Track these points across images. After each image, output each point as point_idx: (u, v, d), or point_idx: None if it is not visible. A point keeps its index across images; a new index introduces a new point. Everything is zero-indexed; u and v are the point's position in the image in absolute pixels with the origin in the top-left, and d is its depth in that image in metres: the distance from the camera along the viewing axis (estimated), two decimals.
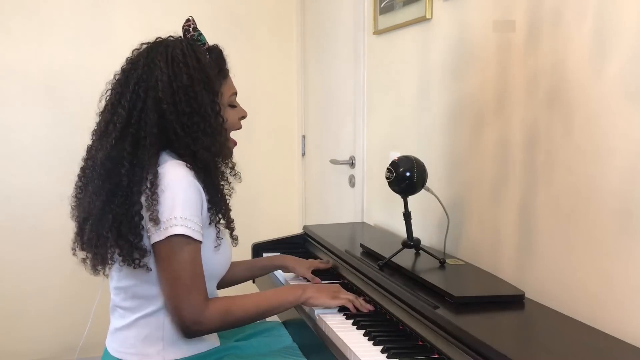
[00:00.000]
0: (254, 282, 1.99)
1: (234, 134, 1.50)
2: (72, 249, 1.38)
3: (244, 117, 1.50)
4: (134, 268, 1.29)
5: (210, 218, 1.35)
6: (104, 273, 1.37)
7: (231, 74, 1.47)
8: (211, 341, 1.42)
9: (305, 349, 1.48)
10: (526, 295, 1.34)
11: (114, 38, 2.89)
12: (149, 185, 1.25)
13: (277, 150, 3.27)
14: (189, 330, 1.30)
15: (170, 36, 1.39)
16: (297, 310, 1.53)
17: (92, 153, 1.37)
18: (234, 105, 1.46)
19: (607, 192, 1.21)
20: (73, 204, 1.40)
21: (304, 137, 3.20)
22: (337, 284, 1.53)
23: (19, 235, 2.85)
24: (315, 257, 2.00)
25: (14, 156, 2.86)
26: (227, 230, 1.45)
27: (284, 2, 3.20)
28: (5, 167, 2.86)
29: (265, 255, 2.10)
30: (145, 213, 1.26)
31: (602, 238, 1.23)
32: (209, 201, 1.34)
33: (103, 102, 1.37)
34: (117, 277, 1.36)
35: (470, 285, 1.45)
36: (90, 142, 1.39)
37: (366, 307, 1.43)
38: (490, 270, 1.54)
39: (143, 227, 1.27)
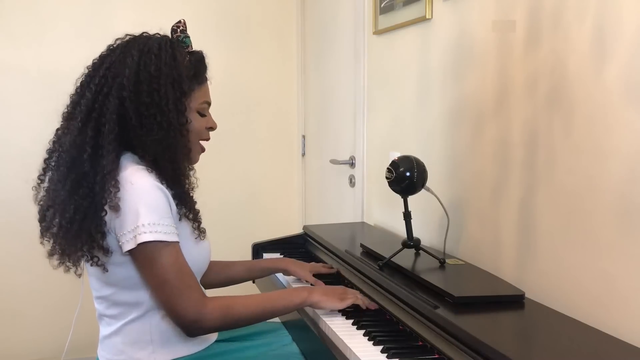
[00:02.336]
0: (254, 282, 1.99)
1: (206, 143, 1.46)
2: (40, 238, 1.35)
3: (212, 128, 1.45)
4: (91, 265, 1.28)
5: (179, 213, 1.34)
6: (75, 272, 1.35)
7: (210, 82, 1.44)
8: (206, 338, 1.41)
9: (305, 348, 1.48)
10: (526, 295, 1.34)
11: (115, 37, 2.88)
12: (110, 182, 1.24)
13: (277, 150, 3.27)
14: (189, 329, 1.29)
15: (157, 33, 1.38)
16: (298, 311, 1.52)
17: (59, 136, 1.35)
18: (203, 114, 1.42)
19: (607, 192, 1.21)
20: (36, 186, 1.37)
21: (304, 137, 3.21)
22: (341, 286, 1.52)
23: (17, 236, 2.85)
24: (316, 257, 2.00)
25: (14, 156, 2.86)
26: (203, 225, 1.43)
27: (284, 2, 3.20)
28: (4, 167, 2.86)
29: (265, 255, 2.10)
30: (110, 217, 1.25)
31: (602, 238, 1.23)
32: (174, 196, 1.33)
33: (78, 84, 1.36)
34: (96, 287, 1.35)
35: (470, 285, 1.45)
36: (59, 125, 1.37)
37: (373, 305, 1.45)
38: (490, 270, 1.54)
39: (106, 222, 1.25)
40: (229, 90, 3.12)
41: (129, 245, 1.24)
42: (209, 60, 1.45)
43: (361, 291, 1.56)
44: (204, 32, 3.07)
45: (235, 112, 3.16)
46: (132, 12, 2.95)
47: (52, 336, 2.84)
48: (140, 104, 1.28)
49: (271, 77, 3.22)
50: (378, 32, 2.23)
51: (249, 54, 3.16)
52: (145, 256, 1.25)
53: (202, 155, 1.46)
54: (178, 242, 1.29)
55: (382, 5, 2.18)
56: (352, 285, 1.63)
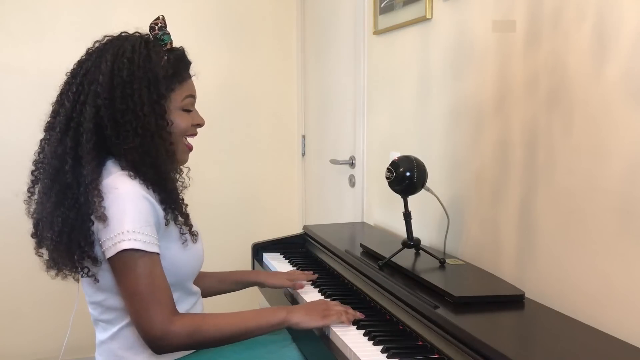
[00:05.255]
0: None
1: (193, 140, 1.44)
2: (35, 250, 1.35)
3: (199, 124, 1.42)
4: (82, 277, 1.27)
5: (167, 218, 1.30)
6: (74, 277, 1.34)
7: (195, 77, 1.40)
8: None
9: (304, 348, 1.48)
10: (526, 295, 1.34)
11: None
12: (93, 192, 1.22)
13: (277, 150, 3.27)
14: (154, 346, 1.25)
15: (136, 32, 1.36)
16: None
17: (43, 147, 1.34)
18: (188, 110, 1.38)
19: (607, 192, 1.21)
20: (27, 199, 1.36)
21: (304, 137, 3.21)
22: (324, 299, 1.45)
23: (17, 236, 2.84)
24: (316, 257, 2.00)
25: (14, 157, 2.86)
26: (196, 227, 1.40)
27: (284, 2, 3.20)
28: (4, 168, 2.86)
29: (265, 255, 2.10)
30: (96, 227, 1.24)
31: (602, 238, 1.23)
32: (161, 201, 1.30)
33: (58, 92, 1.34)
34: (89, 293, 1.34)
35: (470, 285, 1.45)
36: (42, 135, 1.35)
37: (358, 316, 1.38)
38: (490, 270, 1.54)
39: (94, 232, 1.24)
40: (229, 90, 3.12)
41: (109, 252, 1.23)
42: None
43: (361, 291, 1.56)
44: (204, 32, 3.07)
45: (235, 112, 3.16)
46: (132, 12, 2.94)
47: (49, 336, 2.83)
48: (116, 112, 1.26)
49: (271, 77, 3.22)
50: (378, 32, 2.23)
51: (249, 54, 3.16)
52: (121, 264, 1.23)
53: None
54: (158, 254, 1.26)
55: (382, 5, 2.18)
56: (352, 285, 1.63)
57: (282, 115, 3.26)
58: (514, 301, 1.32)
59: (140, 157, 1.27)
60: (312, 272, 1.77)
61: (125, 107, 1.26)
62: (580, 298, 1.28)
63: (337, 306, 1.39)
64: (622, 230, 1.18)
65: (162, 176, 1.31)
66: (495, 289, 1.38)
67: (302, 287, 1.64)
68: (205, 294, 1.59)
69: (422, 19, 1.90)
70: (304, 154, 3.22)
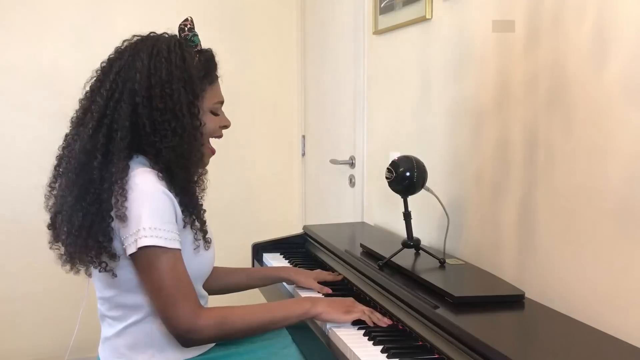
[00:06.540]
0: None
1: (214, 143, 1.45)
2: (49, 243, 1.36)
3: (226, 126, 1.44)
4: (100, 272, 1.28)
5: (184, 221, 1.31)
6: (86, 272, 1.35)
7: (220, 79, 1.43)
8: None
9: (305, 349, 1.48)
10: (526, 295, 1.34)
11: (115, 37, 2.87)
12: (118, 191, 1.22)
13: (277, 150, 3.27)
14: (183, 339, 1.27)
15: (165, 33, 1.37)
16: None
17: (69, 142, 1.34)
18: (216, 114, 1.41)
19: (607, 192, 1.21)
20: (47, 194, 1.37)
21: (304, 137, 3.21)
22: (351, 298, 1.45)
23: (18, 237, 2.85)
24: (316, 258, 2.00)
25: (14, 157, 2.86)
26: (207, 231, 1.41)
27: (284, 2, 3.20)
28: (4, 168, 2.86)
29: (265, 255, 2.10)
30: (115, 221, 1.24)
31: (602, 238, 1.23)
32: (180, 203, 1.30)
33: (87, 89, 1.35)
34: (99, 288, 1.34)
35: (470, 285, 1.45)
36: (68, 130, 1.36)
37: (384, 321, 1.36)
38: (490, 270, 1.54)
39: (113, 229, 1.25)
40: (229, 90, 3.07)
41: (130, 249, 1.23)
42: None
43: (361, 291, 1.56)
44: (204, 32, 3.05)
45: (235, 112, 3.13)
46: (132, 12, 2.94)
47: (55, 336, 2.84)
48: (154, 110, 1.27)
49: (271, 77, 3.22)
50: (378, 32, 2.23)
51: (249, 54, 3.16)
52: (144, 260, 1.24)
53: None
54: (179, 250, 1.27)
55: (382, 5, 2.18)
56: (352, 285, 1.63)
57: (282, 115, 3.26)
58: (514, 301, 1.32)
59: (175, 157, 1.29)
60: (337, 273, 1.74)
61: (164, 105, 1.27)
62: (580, 298, 1.28)
63: (362, 307, 1.39)
64: (621, 230, 1.18)
65: (189, 179, 1.34)
66: (495, 289, 1.38)
67: (329, 292, 1.61)
68: (232, 289, 1.63)
69: (422, 19, 1.90)
70: (304, 154, 3.22)
